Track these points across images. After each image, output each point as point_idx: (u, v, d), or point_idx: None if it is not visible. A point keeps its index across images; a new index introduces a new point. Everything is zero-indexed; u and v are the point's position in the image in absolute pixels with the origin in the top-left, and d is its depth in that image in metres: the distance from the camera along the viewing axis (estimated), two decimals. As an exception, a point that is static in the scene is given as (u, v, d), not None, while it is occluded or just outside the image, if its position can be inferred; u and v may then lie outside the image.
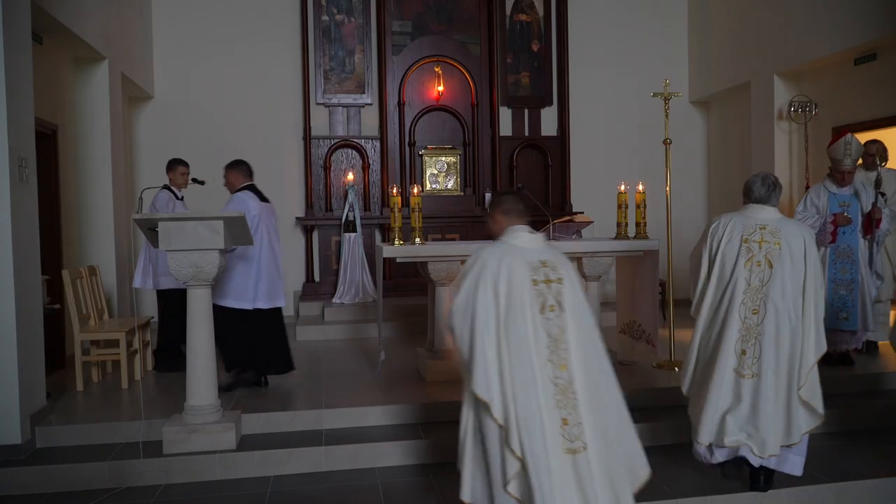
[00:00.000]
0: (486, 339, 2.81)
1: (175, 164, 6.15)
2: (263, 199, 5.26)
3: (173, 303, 5.94)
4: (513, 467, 2.74)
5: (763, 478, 3.75)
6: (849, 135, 5.38)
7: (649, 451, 4.40)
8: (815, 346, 3.62)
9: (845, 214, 5.44)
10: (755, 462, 3.64)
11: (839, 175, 5.48)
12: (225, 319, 4.92)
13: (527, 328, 2.82)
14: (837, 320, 5.44)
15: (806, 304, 3.63)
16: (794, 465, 3.73)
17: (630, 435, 2.94)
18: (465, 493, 2.92)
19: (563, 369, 2.83)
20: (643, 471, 2.95)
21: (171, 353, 5.98)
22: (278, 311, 5.30)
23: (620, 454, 2.88)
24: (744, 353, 3.62)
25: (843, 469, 4.08)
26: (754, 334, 3.61)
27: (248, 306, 5.06)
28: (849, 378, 5.27)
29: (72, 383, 5.44)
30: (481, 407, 2.82)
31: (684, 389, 3.91)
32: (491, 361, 2.79)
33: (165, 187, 6.06)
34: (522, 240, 3.01)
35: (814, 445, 3.97)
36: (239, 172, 5.28)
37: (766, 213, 3.75)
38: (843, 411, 4.77)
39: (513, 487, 2.75)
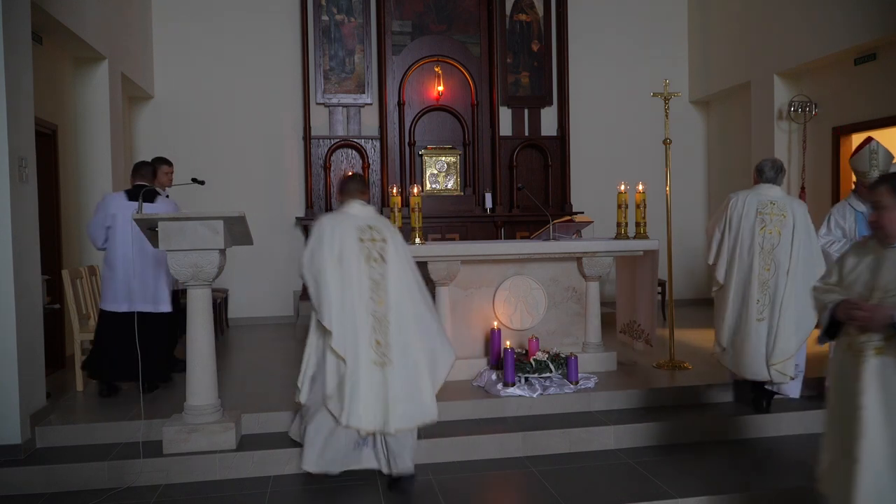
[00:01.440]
0: (329, 283, 3.78)
1: (159, 163, 6.03)
2: (134, 198, 5.13)
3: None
4: (334, 380, 3.77)
5: (766, 402, 4.77)
6: (874, 142, 4.57)
7: (650, 450, 4.44)
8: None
9: None
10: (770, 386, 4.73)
11: (866, 190, 4.52)
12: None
13: (352, 274, 3.82)
14: None
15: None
16: (793, 388, 4.75)
17: (433, 349, 3.94)
18: (303, 396, 3.96)
19: (380, 305, 3.85)
20: (443, 372, 3.96)
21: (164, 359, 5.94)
22: (161, 316, 5.19)
23: (422, 364, 3.85)
24: (758, 301, 4.56)
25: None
26: (767, 287, 4.57)
27: (125, 309, 5.05)
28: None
29: (72, 383, 5.44)
30: (325, 334, 3.79)
31: (724, 342, 4.76)
32: (334, 300, 3.77)
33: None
34: (354, 209, 4.04)
35: (816, 444, 3.96)
36: (132, 176, 5.39)
37: (773, 192, 4.71)
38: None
39: (332, 396, 3.78)
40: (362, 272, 3.84)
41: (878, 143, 4.56)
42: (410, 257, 4.08)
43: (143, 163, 5.46)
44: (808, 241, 4.59)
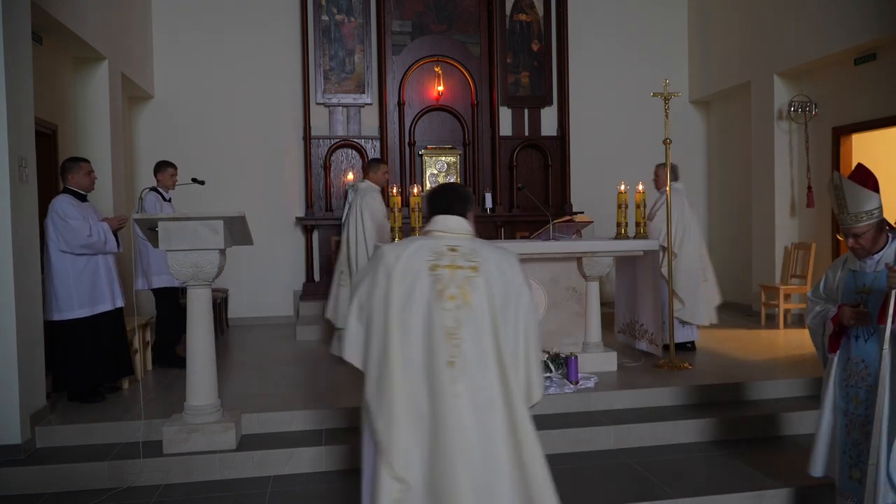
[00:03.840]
0: None
1: (164, 166, 6.14)
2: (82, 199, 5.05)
3: (166, 301, 5.97)
4: None
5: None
6: (835, 173, 3.23)
7: (650, 450, 4.44)
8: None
9: (860, 307, 3.14)
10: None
11: (846, 241, 3.22)
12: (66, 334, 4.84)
13: None
14: (849, 480, 3.23)
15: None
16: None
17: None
18: None
19: None
20: None
21: (166, 352, 6.04)
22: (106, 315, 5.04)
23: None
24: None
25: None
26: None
27: (108, 306, 4.99)
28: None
29: (72, 383, 5.43)
30: None
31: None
32: None
33: (153, 189, 6.01)
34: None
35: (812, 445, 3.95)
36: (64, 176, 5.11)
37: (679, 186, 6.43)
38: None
39: None
40: None
41: (840, 175, 3.19)
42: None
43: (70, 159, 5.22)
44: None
